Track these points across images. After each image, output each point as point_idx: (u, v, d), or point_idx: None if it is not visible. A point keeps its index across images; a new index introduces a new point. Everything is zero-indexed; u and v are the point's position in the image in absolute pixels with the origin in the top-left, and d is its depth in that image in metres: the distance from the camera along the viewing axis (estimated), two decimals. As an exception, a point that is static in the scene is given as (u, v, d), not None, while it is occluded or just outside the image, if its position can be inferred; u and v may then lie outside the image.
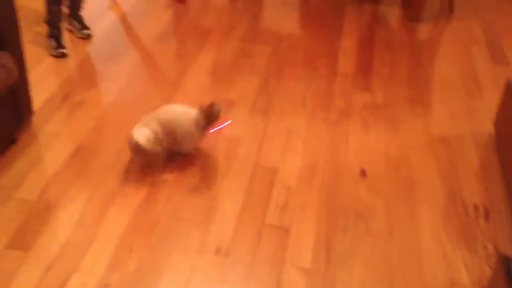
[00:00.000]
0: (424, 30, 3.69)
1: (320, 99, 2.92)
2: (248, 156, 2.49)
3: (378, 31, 3.65)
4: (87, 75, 2.99)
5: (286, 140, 2.61)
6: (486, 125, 2.76)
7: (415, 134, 2.71)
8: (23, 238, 2.02)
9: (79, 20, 3.32)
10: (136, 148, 2.28)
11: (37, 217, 2.11)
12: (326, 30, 3.63)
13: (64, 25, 3.33)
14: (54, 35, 3.11)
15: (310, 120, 2.75)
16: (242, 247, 2.05)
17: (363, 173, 2.44)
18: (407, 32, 3.67)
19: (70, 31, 3.35)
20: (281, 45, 3.40)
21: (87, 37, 3.30)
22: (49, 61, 3.06)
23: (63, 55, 3.09)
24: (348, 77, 3.13)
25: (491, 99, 2.95)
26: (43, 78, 2.91)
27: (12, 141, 2.42)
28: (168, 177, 2.34)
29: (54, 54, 3.09)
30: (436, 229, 2.19)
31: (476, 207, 2.30)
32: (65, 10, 3.28)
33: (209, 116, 2.37)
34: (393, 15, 3.92)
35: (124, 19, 3.59)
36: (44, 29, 3.16)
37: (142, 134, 2.28)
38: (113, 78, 2.96)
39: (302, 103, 2.87)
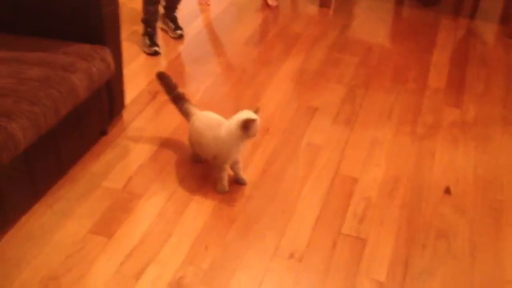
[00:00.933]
0: (523, 48, 3.51)
1: (408, 113, 2.84)
2: (328, 164, 2.47)
3: (473, 47, 3.52)
4: (177, 74, 3.08)
5: (368, 151, 2.56)
6: None
7: (506, 154, 2.57)
8: (107, 225, 2.10)
9: (174, 20, 3.44)
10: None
11: (121, 206, 2.19)
12: (418, 43, 3.53)
13: (159, 25, 3.47)
14: (149, 33, 3.24)
15: (395, 134, 2.68)
16: (316, 254, 2.03)
17: (448, 191, 2.34)
18: (504, 49, 3.50)
19: (165, 31, 3.48)
20: (370, 56, 3.35)
21: (180, 37, 3.41)
22: (143, 58, 3.19)
23: (156, 53, 3.21)
24: (438, 92, 3.03)
25: None
26: (136, 74, 3.03)
27: (104, 132, 2.53)
28: (249, 178, 2.36)
29: (148, 52, 3.22)
30: (524, 256, 2.07)
31: None
32: (161, 10, 3.41)
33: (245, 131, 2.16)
34: (490, 31, 3.75)
35: (215, 22, 3.68)
36: (140, 27, 3.30)
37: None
38: (201, 79, 3.04)
39: (388, 115, 2.81)
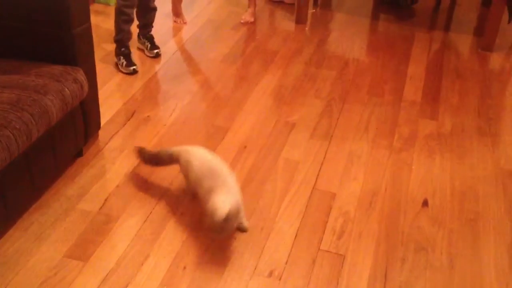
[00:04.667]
0: (496, 60, 3.56)
1: (384, 125, 2.86)
2: (306, 180, 2.46)
3: (448, 59, 3.56)
4: (154, 93, 3.07)
5: (346, 165, 2.57)
6: (562, 160, 2.61)
7: (483, 166, 2.59)
8: (82, 249, 2.07)
9: (150, 39, 3.43)
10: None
11: (97, 229, 2.16)
12: (394, 56, 3.57)
13: (135, 45, 3.46)
14: (124, 53, 3.23)
15: (372, 147, 2.69)
16: (296, 272, 2.02)
17: (425, 203, 2.35)
18: (479, 61, 3.55)
19: (141, 50, 3.47)
20: (346, 70, 3.37)
21: (157, 56, 3.40)
22: (118, 78, 3.18)
23: (134, 72, 3.20)
24: (414, 104, 3.05)
25: None
26: (111, 94, 3.02)
27: (79, 153, 2.51)
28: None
29: (126, 71, 3.20)
30: (501, 267, 2.07)
31: (547, 247, 2.16)
32: (136, 30, 3.41)
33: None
34: (464, 43, 3.81)
35: (192, 40, 3.68)
36: (113, 47, 3.28)
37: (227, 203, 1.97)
38: (178, 97, 3.03)
39: (365, 129, 2.83)
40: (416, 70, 3.40)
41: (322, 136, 2.76)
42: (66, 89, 2.21)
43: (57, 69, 2.26)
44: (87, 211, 2.24)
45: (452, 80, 3.30)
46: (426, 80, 3.30)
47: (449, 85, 3.26)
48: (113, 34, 3.26)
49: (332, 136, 2.76)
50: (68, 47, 2.31)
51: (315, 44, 3.68)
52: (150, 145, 2.63)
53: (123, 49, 3.24)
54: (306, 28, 3.96)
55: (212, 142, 2.67)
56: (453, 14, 4.07)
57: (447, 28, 4.03)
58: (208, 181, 2.08)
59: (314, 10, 4.24)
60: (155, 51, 3.40)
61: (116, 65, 3.26)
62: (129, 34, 3.25)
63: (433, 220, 2.27)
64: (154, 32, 3.48)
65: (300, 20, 3.98)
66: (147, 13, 3.38)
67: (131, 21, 3.21)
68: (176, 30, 3.81)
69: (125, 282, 1.95)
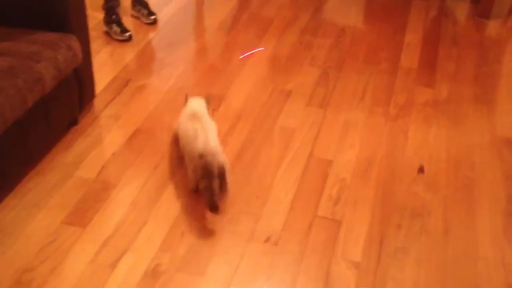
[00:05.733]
0: (493, 27, 3.54)
1: (381, 93, 2.85)
2: (302, 147, 2.47)
3: (445, 27, 3.53)
4: (149, 61, 3.04)
5: (342, 133, 2.57)
6: (557, 127, 2.62)
7: (478, 133, 2.60)
8: (80, 215, 2.08)
9: (145, 6, 3.38)
10: (221, 173, 2.05)
11: (94, 196, 2.17)
12: (391, 24, 3.54)
13: (130, 12, 3.41)
14: (115, 20, 3.18)
15: (368, 115, 2.69)
16: (292, 237, 2.03)
17: (421, 170, 2.36)
18: (476, 28, 3.53)
19: (136, 17, 3.42)
20: (342, 38, 3.34)
21: (154, 22, 3.35)
22: (111, 47, 3.14)
23: (130, 38, 3.16)
24: (410, 72, 3.04)
25: None
26: (105, 63, 2.99)
27: (75, 122, 2.49)
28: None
29: (120, 38, 3.16)
30: (495, 233, 2.09)
31: (541, 212, 2.19)
32: (130, -3, 3.36)
33: None
34: (461, 10, 3.77)
35: (187, 7, 3.63)
36: (102, 16, 3.24)
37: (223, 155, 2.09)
38: (173, 65, 3.01)
39: (361, 97, 2.82)
40: (413, 37, 3.38)
41: (318, 104, 2.75)
42: (60, 56, 2.19)
43: (50, 36, 2.23)
44: (84, 178, 2.24)
45: (448, 48, 3.29)
46: (422, 47, 3.28)
47: (446, 52, 3.24)
48: (102, 1, 3.21)
49: (328, 104, 2.75)
50: (61, 14, 2.27)
51: (311, 12, 3.64)
52: (146, 113, 2.62)
53: (113, 16, 3.19)
54: (302, -4, 3.91)
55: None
56: (450, -19, 4.03)
57: (444, -5, 3.99)
58: (189, 124, 2.18)
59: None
60: (152, 17, 3.36)
61: (107, 33, 3.22)
62: (118, 1, 3.20)
63: (429, 186, 2.28)
64: (148, -1, 3.44)
65: (295, -13, 3.92)
66: None
67: None
68: (170, -2, 3.75)
69: (124, 247, 1.96)
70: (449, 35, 3.43)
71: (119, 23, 3.19)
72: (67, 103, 2.37)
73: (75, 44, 2.28)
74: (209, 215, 2.10)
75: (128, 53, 3.09)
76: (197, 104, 2.33)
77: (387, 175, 2.33)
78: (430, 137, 2.56)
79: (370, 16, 3.69)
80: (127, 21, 3.33)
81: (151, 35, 3.29)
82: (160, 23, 3.41)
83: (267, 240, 2.02)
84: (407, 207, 2.18)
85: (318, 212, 2.15)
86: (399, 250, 2.00)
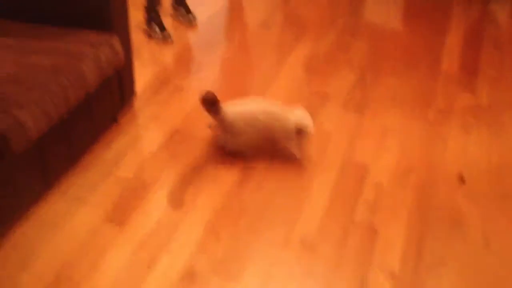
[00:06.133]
0: (538, 31, 3.45)
1: (420, 98, 2.81)
2: (339, 151, 2.45)
3: (487, 30, 3.46)
4: (187, 61, 3.07)
5: (380, 138, 2.54)
6: None
7: (521, 141, 2.54)
8: (119, 213, 2.11)
9: (185, 6, 3.41)
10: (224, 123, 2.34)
11: (133, 194, 2.20)
12: (431, 27, 3.48)
13: (170, 12, 3.44)
14: (156, 20, 3.22)
15: (407, 120, 2.66)
16: (328, 243, 2.03)
17: (461, 178, 2.32)
18: (519, 32, 3.44)
19: (176, 17, 3.45)
20: (381, 41, 3.31)
21: (193, 23, 3.38)
22: (151, 46, 3.18)
23: (168, 37, 3.19)
24: (451, 76, 2.99)
25: None
26: (145, 62, 3.02)
27: (115, 120, 2.53)
28: (259, 165, 2.35)
29: (160, 37, 3.19)
30: (538, 245, 2.05)
31: None
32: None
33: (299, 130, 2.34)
34: (504, 13, 3.69)
35: (226, 7, 3.65)
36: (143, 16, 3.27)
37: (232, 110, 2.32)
38: (211, 65, 3.02)
39: (399, 101, 2.78)
40: (454, 40, 3.32)
41: (355, 107, 2.73)
42: (102, 55, 2.22)
43: (93, 35, 2.27)
44: (123, 176, 2.27)
45: (491, 52, 3.22)
46: (463, 51, 3.22)
47: (488, 57, 3.17)
48: (143, 1, 3.24)
49: (365, 108, 2.73)
50: (104, 13, 2.31)
51: (349, 13, 3.61)
52: (184, 113, 2.64)
53: (154, 16, 3.22)
54: (341, -4, 3.88)
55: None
56: (493, -17, 3.94)
57: (486, -3, 3.90)
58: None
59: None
60: (191, 17, 3.38)
61: (148, 33, 3.25)
62: (160, 1, 3.23)
63: (468, 195, 2.24)
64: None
65: (334, -12, 3.90)
66: None
67: None
68: (209, -3, 3.77)
69: (160, 247, 1.99)
70: (492, 39, 3.36)
71: (160, 23, 3.22)
72: (108, 101, 2.41)
73: (117, 43, 2.32)
74: (244, 219, 2.11)
75: (168, 53, 3.12)
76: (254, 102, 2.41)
77: (425, 182, 2.30)
78: (471, 144, 2.51)
79: (410, 17, 3.65)
80: (167, 21, 3.36)
81: (190, 35, 3.32)
82: (199, 23, 3.43)
83: (303, 244, 2.02)
84: (445, 216, 2.15)
85: (354, 218, 2.13)
86: (437, 260, 1.97)
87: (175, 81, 2.88)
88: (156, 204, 2.16)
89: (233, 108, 2.34)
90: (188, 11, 3.40)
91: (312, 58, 3.11)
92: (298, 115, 2.33)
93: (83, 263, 1.92)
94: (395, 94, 2.83)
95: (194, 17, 3.39)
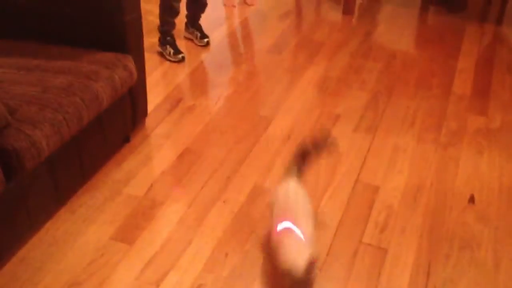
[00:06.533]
0: (552, 54, 3.44)
1: (432, 120, 2.80)
2: (349, 172, 2.45)
3: (500, 53, 3.46)
4: (200, 82, 3.10)
5: (391, 159, 2.54)
6: None
7: (533, 163, 2.52)
8: (128, 232, 2.12)
9: (199, 29, 3.46)
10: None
11: (142, 213, 2.21)
12: (443, 49, 3.49)
13: (184, 34, 3.50)
14: (170, 42, 3.27)
15: (418, 141, 2.65)
16: (337, 263, 2.01)
17: (472, 200, 2.30)
18: (532, 55, 3.43)
19: (189, 39, 3.50)
20: (393, 63, 3.32)
21: (207, 45, 3.43)
22: (164, 67, 3.22)
23: (182, 59, 3.24)
24: (463, 99, 2.98)
25: None
26: (157, 83, 3.07)
27: (127, 139, 2.56)
28: (270, 185, 2.36)
29: (174, 60, 3.25)
30: (551, 268, 2.01)
31: None
32: (183, 19, 3.44)
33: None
34: (517, 36, 3.69)
35: (239, 29, 3.70)
36: (157, 37, 3.32)
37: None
38: (223, 86, 3.06)
39: (411, 122, 2.78)
40: (466, 64, 3.32)
41: (367, 128, 2.73)
42: (116, 76, 2.26)
43: (108, 56, 2.31)
44: (133, 195, 2.29)
45: (503, 75, 3.21)
46: (476, 74, 3.21)
47: (500, 80, 3.17)
48: (157, 26, 3.30)
49: (377, 129, 2.73)
50: (119, 35, 2.36)
51: (362, 36, 3.64)
52: (195, 133, 2.67)
53: (168, 38, 3.28)
54: (353, 19, 3.92)
55: (256, 132, 2.69)
56: (506, 6, 3.94)
57: (499, 21, 3.90)
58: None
59: (362, 1, 4.19)
60: (206, 40, 3.43)
61: (161, 54, 3.31)
62: (174, 25, 3.30)
63: (480, 217, 2.22)
64: (201, 21, 3.51)
65: (347, 11, 3.94)
66: (199, 6, 3.39)
67: (177, 13, 3.25)
68: (223, 18, 3.83)
69: (169, 265, 1.99)
70: (504, 62, 3.35)
71: (173, 45, 3.27)
72: (121, 121, 2.45)
73: (131, 64, 2.36)
74: (252, 239, 2.11)
75: (180, 74, 3.17)
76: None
77: (436, 204, 2.28)
78: (482, 166, 2.50)
79: (422, 40, 3.66)
80: (181, 42, 3.42)
81: (203, 56, 3.37)
82: (213, 44, 3.48)
83: (311, 265, 2.01)
84: (456, 237, 2.12)
85: (364, 239, 2.12)
86: (447, 282, 1.95)
87: (187, 101, 2.92)
88: (165, 223, 2.17)
89: None
90: (202, 34, 3.45)
91: (325, 80, 3.13)
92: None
93: (92, 280, 1.93)
94: (407, 116, 2.83)
95: (208, 40, 3.44)
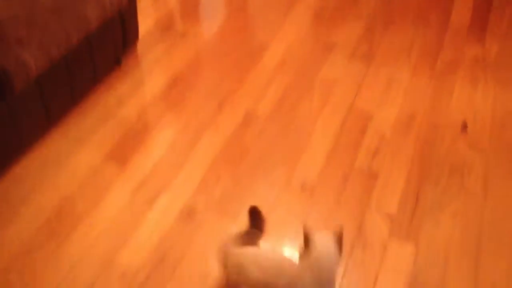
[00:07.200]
0: (553, -14, 3.36)
1: (428, 50, 2.77)
2: (343, 99, 2.44)
3: (500, -16, 3.37)
4: (192, 7, 3.03)
5: (385, 88, 2.52)
6: None
7: (527, 94, 2.51)
8: (120, 154, 2.12)
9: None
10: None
11: (134, 136, 2.20)
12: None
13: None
14: None
15: (413, 71, 2.62)
16: (327, 187, 2.03)
17: (464, 127, 2.31)
18: (534, -13, 3.35)
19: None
20: (391, -8, 3.24)
21: None
22: (158, -9, 3.13)
23: None
24: (461, 31, 2.93)
25: None
26: (149, 6, 2.98)
27: (118, 62, 2.52)
28: (262, 111, 2.34)
29: None
30: (538, 194, 2.04)
31: None
32: None
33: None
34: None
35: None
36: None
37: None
38: (217, 12, 2.98)
39: (407, 53, 2.74)
40: (465, -6, 3.25)
41: (362, 58, 2.69)
42: (106, -5, 2.19)
43: (97, -26, 2.23)
44: (125, 119, 2.28)
45: (502, 6, 3.14)
46: (474, 5, 3.15)
47: (499, 11, 3.10)
48: None
49: (372, 58, 2.69)
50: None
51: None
52: (188, 58, 2.62)
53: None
54: None
55: (250, 58, 2.65)
56: None
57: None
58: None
59: None
60: None
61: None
62: None
63: (471, 144, 2.23)
64: None
65: None
66: None
67: None
68: None
69: (161, 187, 2.00)
70: (505, -7, 3.28)
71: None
72: (111, 43, 2.39)
73: (121, -16, 2.29)
74: (245, 162, 2.12)
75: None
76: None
77: (429, 132, 2.29)
78: (477, 96, 2.49)
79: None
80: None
81: (196, -19, 3.27)
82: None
83: (302, 189, 2.03)
84: (447, 164, 2.14)
85: (355, 164, 2.13)
86: (435, 205, 1.98)
87: (179, 26, 2.85)
88: (158, 146, 2.17)
89: None
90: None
91: (321, 8, 3.06)
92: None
93: (84, 199, 1.94)
94: (403, 45, 2.79)
95: None
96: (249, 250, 1.62)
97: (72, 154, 2.10)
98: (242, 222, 1.89)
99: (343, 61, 2.67)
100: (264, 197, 1.99)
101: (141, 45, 2.68)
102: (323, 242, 1.50)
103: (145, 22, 2.83)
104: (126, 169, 2.06)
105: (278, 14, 3.00)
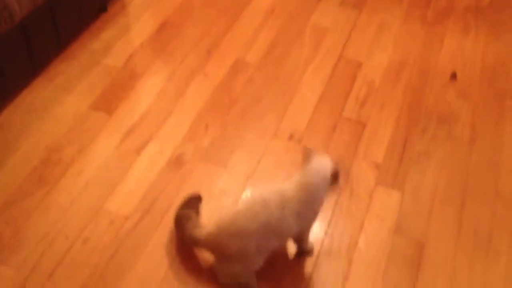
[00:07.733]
0: None
1: (420, -4, 2.72)
2: (333, 47, 2.41)
3: None
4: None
5: (375, 36, 2.48)
6: None
7: (519, 43, 2.49)
8: (107, 102, 2.10)
9: None
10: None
11: (121, 84, 2.18)
12: None
13: None
14: None
15: (405, 18, 2.58)
16: (315, 136, 2.04)
17: (453, 76, 2.30)
18: None
19: None
20: None
21: None
22: None
23: None
24: (454, -25, 2.87)
25: None
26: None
27: (104, 8, 2.46)
28: (251, 59, 2.32)
29: None
30: (524, 143, 2.06)
31: None
32: None
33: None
34: None
35: None
36: None
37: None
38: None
39: (398, -1, 2.70)
40: None
41: (353, 4, 2.64)
42: None
43: None
44: (111, 66, 2.24)
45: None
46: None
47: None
48: None
49: (363, 4, 2.65)
50: None
51: None
52: (176, 4, 2.56)
53: None
54: None
55: (239, 5, 2.59)
56: None
57: None
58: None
59: None
60: None
61: None
62: None
63: (460, 93, 2.23)
64: None
65: None
66: None
67: None
68: None
69: (149, 135, 2.00)
70: None
71: None
72: (96, -12, 2.33)
73: None
74: (233, 111, 2.11)
75: None
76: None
77: (418, 80, 2.28)
78: (467, 44, 2.46)
79: None
80: None
81: None
82: None
83: (291, 137, 2.03)
84: (435, 113, 2.14)
85: (344, 113, 2.13)
86: (422, 153, 1.99)
87: None
88: (145, 94, 2.15)
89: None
90: None
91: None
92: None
93: (71, 147, 1.93)
94: (395, -8, 2.74)
95: None
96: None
97: (58, 102, 2.08)
98: (231, 169, 1.90)
99: (334, 7, 2.62)
100: (253, 145, 1.99)
101: (127, -10, 2.61)
102: (320, 166, 1.55)
103: (131, -35, 2.74)
104: (113, 118, 2.05)
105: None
